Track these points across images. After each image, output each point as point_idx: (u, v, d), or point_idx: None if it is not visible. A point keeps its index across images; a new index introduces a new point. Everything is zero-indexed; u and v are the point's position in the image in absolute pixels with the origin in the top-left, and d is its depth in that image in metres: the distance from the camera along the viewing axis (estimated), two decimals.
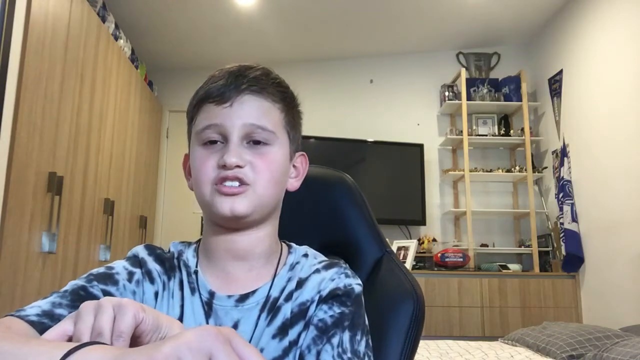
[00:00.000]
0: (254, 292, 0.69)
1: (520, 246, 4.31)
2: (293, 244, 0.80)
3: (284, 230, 0.94)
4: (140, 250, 0.73)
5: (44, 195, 2.25)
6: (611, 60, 3.49)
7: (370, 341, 0.68)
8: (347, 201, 1.03)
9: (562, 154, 3.91)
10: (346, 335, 0.65)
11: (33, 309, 0.58)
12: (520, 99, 4.35)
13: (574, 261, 3.71)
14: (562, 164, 3.88)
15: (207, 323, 0.67)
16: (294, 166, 0.77)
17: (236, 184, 0.65)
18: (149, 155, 4.05)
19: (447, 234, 4.41)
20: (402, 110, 4.61)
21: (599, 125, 3.58)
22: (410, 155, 4.36)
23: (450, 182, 4.51)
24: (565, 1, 4.01)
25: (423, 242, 4.18)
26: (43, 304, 0.60)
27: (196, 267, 0.71)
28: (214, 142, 0.67)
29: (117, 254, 3.24)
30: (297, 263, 0.74)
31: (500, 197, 4.48)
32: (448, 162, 4.53)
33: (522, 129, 4.34)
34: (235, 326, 0.67)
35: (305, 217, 1.02)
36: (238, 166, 0.65)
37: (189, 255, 0.73)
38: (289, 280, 0.71)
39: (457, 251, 3.97)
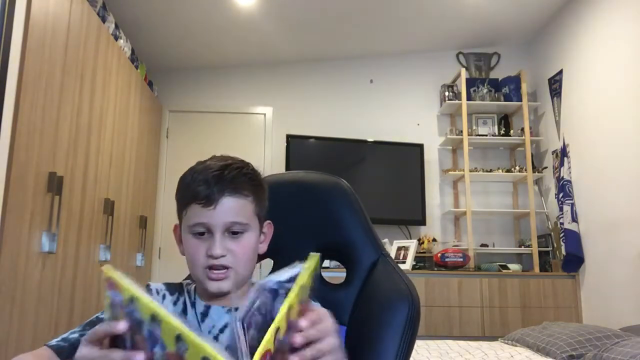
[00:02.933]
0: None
1: (520, 246, 4.31)
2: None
3: (281, 235, 0.96)
4: (153, 284, 0.92)
5: (44, 195, 2.25)
6: (611, 60, 3.49)
7: None
8: (343, 205, 1.04)
9: (562, 154, 3.91)
10: None
11: (57, 338, 0.82)
12: (520, 99, 4.35)
13: (574, 261, 3.71)
14: (562, 164, 3.88)
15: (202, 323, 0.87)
16: (263, 233, 0.94)
17: (221, 271, 0.85)
18: (149, 155, 4.05)
19: (447, 234, 4.42)
20: (402, 110, 4.61)
21: (599, 125, 3.58)
22: (410, 155, 4.36)
23: (450, 182, 4.51)
24: (565, 1, 4.01)
25: (423, 242, 4.18)
26: (65, 334, 0.82)
27: (195, 293, 0.91)
28: (202, 233, 0.86)
29: (117, 254, 3.24)
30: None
31: (500, 197, 4.48)
32: (448, 162, 4.54)
33: (522, 129, 4.34)
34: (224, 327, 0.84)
35: (302, 222, 1.04)
36: (222, 255, 0.84)
37: (191, 288, 0.93)
38: None
39: (457, 251, 3.97)
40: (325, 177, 1.09)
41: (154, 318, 0.54)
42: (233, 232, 0.87)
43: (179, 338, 0.53)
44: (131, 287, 0.56)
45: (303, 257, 0.67)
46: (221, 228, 0.85)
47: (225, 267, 0.86)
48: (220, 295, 0.87)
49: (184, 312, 0.89)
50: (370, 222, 1.04)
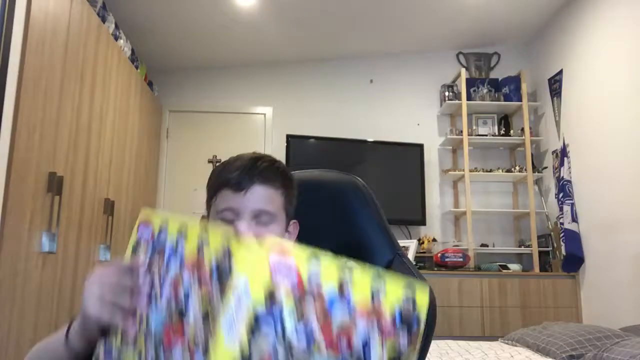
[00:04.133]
0: None
1: (520, 246, 4.31)
2: None
3: (304, 231, 0.96)
4: None
5: (44, 195, 2.25)
6: (611, 60, 3.49)
7: None
8: (359, 204, 1.03)
9: (562, 154, 3.91)
10: None
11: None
12: (520, 99, 4.35)
13: (574, 261, 3.71)
14: (562, 164, 3.88)
15: None
16: (287, 232, 0.93)
17: None
18: (149, 155, 4.05)
19: (447, 234, 4.41)
20: (402, 110, 4.61)
21: (599, 125, 3.58)
22: (410, 155, 4.35)
23: (450, 182, 4.51)
24: (565, 1, 4.01)
25: (423, 242, 4.18)
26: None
27: None
28: (230, 220, 0.86)
29: (117, 254, 3.24)
30: None
31: (500, 197, 4.48)
32: (448, 162, 4.53)
33: (522, 129, 4.34)
34: None
35: (317, 220, 1.03)
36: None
37: None
38: None
39: (457, 251, 3.97)
40: (340, 176, 1.08)
41: (181, 229, 0.57)
42: (260, 221, 0.87)
43: (201, 235, 0.55)
44: (166, 213, 0.61)
45: None
46: (249, 214, 0.86)
47: None
48: None
49: None
50: (386, 220, 1.02)
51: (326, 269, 0.52)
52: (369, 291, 0.51)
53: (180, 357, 0.52)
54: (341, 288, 0.50)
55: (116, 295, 0.63)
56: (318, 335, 0.49)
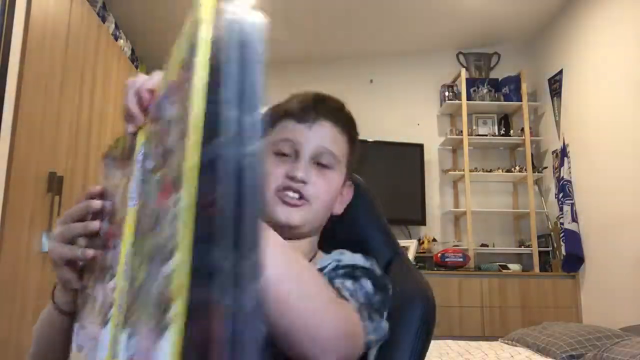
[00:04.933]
0: None
1: (520, 246, 4.31)
2: (334, 252, 0.81)
3: None
4: None
5: (44, 195, 2.25)
6: (611, 60, 3.49)
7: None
8: (358, 202, 1.03)
9: (562, 154, 3.91)
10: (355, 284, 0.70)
11: None
12: (520, 99, 4.35)
13: (574, 261, 3.71)
14: (562, 164, 3.88)
15: None
16: (341, 194, 0.83)
17: (297, 196, 0.74)
18: None
19: (447, 234, 4.41)
20: (402, 110, 4.61)
21: (599, 125, 3.58)
22: (410, 155, 4.35)
23: (450, 182, 4.50)
24: (565, 1, 4.01)
25: (423, 242, 4.18)
26: None
27: None
28: (284, 154, 0.76)
29: None
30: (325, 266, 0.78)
31: (500, 197, 4.48)
32: (448, 162, 4.53)
33: (522, 129, 4.34)
34: None
35: None
36: (303, 181, 0.74)
37: None
38: None
39: (457, 251, 3.97)
40: None
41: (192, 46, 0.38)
42: (321, 163, 0.76)
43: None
44: None
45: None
46: (311, 152, 0.75)
47: (302, 196, 0.74)
48: (284, 231, 0.73)
49: None
50: (386, 219, 1.02)
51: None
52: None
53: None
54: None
55: (75, 227, 0.58)
56: None
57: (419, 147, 4.38)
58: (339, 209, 0.83)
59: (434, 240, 4.27)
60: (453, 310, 3.65)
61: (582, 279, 3.75)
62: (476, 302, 3.69)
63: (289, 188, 0.74)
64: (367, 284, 0.71)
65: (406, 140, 4.42)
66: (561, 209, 3.80)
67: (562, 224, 3.78)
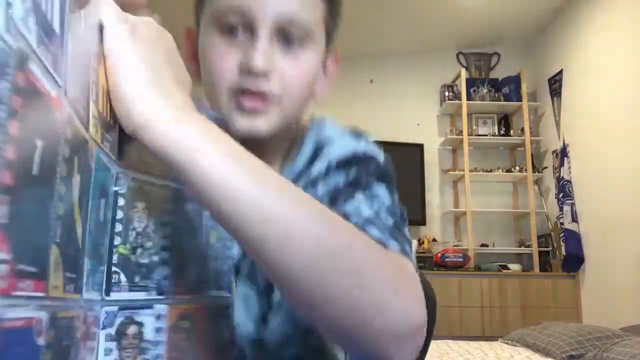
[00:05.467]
0: None
1: (520, 246, 4.31)
2: (317, 126, 0.66)
3: None
4: None
5: None
6: (611, 60, 3.49)
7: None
8: None
9: (562, 154, 3.91)
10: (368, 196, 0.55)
11: None
12: (520, 99, 4.35)
13: (574, 261, 3.71)
14: (562, 164, 3.88)
15: None
16: (325, 67, 0.64)
17: (258, 98, 0.54)
18: None
19: (447, 234, 4.41)
20: (402, 110, 4.61)
21: (599, 125, 3.58)
22: (410, 155, 4.35)
23: (450, 182, 4.51)
24: (565, 1, 4.01)
25: (423, 242, 4.18)
26: None
27: None
28: (233, 29, 0.53)
29: None
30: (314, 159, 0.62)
31: (500, 197, 4.48)
32: (448, 162, 4.53)
33: (522, 129, 4.34)
34: None
35: None
36: (264, 74, 0.52)
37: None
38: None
39: (457, 251, 3.97)
40: None
41: None
42: (287, 38, 0.54)
43: None
44: None
45: None
46: (269, 24, 0.52)
47: (265, 96, 0.54)
48: (251, 141, 0.50)
49: None
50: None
51: None
52: None
53: None
54: None
55: None
56: None
57: (419, 147, 4.38)
58: (323, 92, 0.65)
59: (434, 240, 4.27)
60: (453, 310, 3.65)
61: (582, 279, 3.75)
62: (476, 302, 3.69)
63: (245, 91, 0.53)
64: (382, 191, 0.57)
65: (406, 140, 4.42)
66: (561, 209, 3.80)
67: (562, 224, 3.78)
